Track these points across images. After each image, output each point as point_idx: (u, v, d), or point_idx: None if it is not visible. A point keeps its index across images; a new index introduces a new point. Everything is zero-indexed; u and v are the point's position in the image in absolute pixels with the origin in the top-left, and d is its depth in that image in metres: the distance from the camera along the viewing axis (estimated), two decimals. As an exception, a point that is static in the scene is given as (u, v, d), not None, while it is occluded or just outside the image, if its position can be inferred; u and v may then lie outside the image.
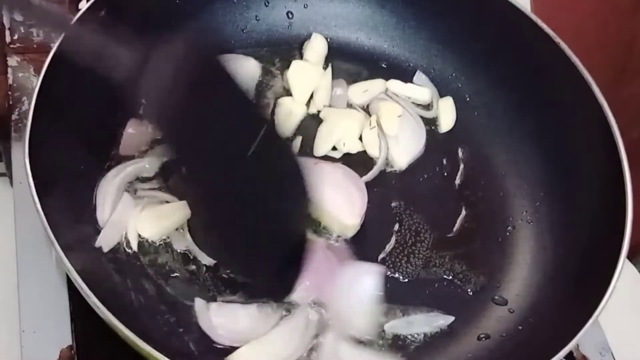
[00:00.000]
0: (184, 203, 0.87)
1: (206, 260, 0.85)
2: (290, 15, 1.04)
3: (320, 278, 0.83)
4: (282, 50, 1.02)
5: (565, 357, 0.74)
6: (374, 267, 0.86)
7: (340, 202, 0.88)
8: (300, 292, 0.82)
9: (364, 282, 0.85)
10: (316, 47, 1.02)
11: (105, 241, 0.83)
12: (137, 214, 0.85)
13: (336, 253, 0.86)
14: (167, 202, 0.87)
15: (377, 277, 0.85)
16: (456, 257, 0.90)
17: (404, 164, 0.96)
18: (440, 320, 0.84)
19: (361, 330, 0.82)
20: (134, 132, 0.91)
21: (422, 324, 0.84)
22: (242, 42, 1.02)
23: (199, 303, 0.81)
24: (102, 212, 0.85)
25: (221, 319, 0.81)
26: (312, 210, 0.85)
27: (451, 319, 0.85)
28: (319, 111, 0.98)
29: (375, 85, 1.01)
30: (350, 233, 0.88)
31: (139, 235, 0.85)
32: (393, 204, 0.92)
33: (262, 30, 1.03)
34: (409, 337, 0.83)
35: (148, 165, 0.90)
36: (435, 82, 1.02)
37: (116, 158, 0.89)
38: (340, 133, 0.95)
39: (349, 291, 0.84)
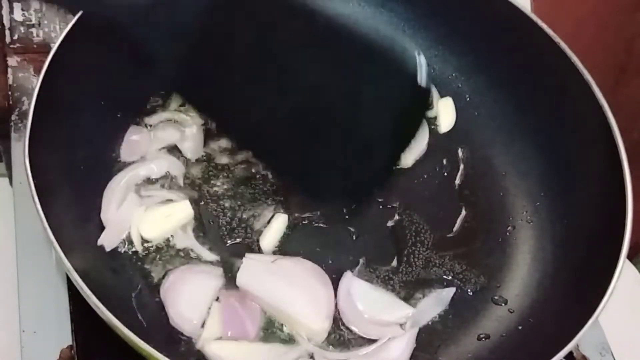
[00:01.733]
0: (186, 202, 0.87)
1: (209, 257, 0.85)
2: (290, 15, 1.04)
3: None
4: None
5: (565, 357, 0.74)
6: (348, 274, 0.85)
7: (304, 304, 0.80)
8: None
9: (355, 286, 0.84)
10: None
11: (107, 240, 0.83)
12: (141, 214, 0.85)
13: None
14: (171, 200, 0.88)
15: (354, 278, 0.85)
16: (456, 257, 0.90)
17: (410, 162, 0.96)
18: (445, 293, 0.86)
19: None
20: (136, 139, 0.91)
21: (433, 305, 0.85)
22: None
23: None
24: (107, 212, 0.85)
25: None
26: None
27: (453, 290, 0.86)
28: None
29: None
30: (319, 338, 0.80)
31: (142, 236, 0.85)
32: (393, 204, 0.93)
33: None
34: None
35: (156, 167, 0.90)
36: (435, 82, 1.02)
37: (117, 158, 0.90)
38: None
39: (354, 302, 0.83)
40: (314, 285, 0.83)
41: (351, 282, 0.85)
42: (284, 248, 0.87)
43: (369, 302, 0.84)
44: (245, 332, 0.79)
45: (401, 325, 0.83)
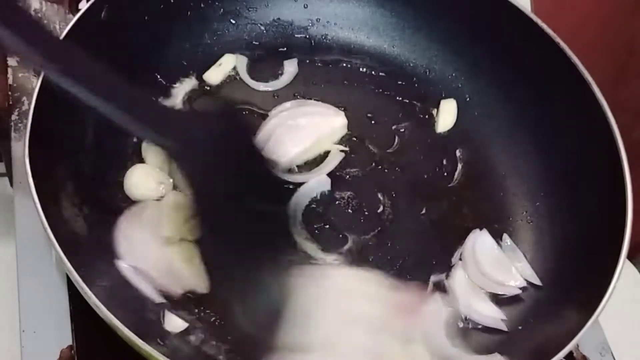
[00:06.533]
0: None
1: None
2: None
3: None
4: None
5: (565, 357, 0.74)
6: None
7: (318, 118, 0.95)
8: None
9: None
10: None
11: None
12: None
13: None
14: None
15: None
16: (456, 257, 0.90)
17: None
18: None
19: None
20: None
21: None
22: (242, 42, 1.02)
23: None
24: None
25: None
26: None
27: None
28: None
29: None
30: (341, 132, 0.95)
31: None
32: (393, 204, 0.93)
33: (262, 31, 1.03)
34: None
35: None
36: (435, 82, 1.02)
37: (117, 158, 0.89)
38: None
39: None
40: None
41: (478, 237, 0.89)
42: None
43: (489, 258, 0.87)
44: None
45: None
